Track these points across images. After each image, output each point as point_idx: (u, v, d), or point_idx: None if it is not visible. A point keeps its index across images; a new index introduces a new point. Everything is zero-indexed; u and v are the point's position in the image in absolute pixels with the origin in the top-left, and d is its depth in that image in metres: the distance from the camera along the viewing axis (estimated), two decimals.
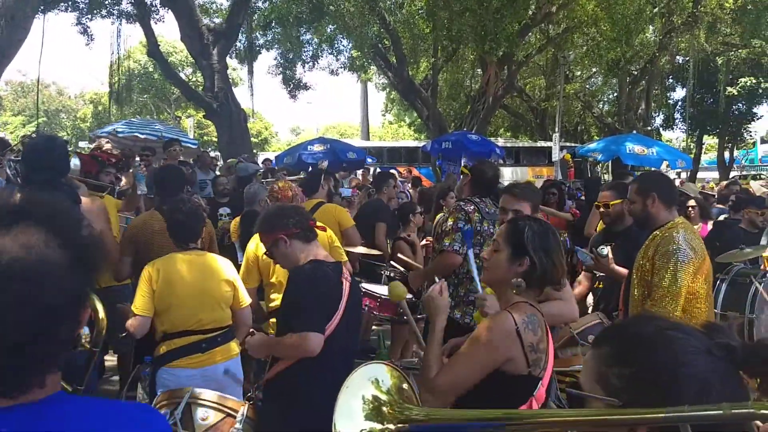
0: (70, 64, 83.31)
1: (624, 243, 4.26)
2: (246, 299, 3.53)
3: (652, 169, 13.06)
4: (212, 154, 24.95)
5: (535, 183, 18.29)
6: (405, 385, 1.76)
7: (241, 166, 10.39)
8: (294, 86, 22.59)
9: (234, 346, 3.44)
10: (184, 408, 2.74)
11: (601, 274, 4.34)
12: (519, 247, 2.13)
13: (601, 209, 4.58)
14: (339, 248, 4.60)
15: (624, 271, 3.94)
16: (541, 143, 28.10)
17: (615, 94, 29.88)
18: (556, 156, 22.75)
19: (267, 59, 78.97)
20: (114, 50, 19.62)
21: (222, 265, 3.48)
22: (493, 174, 4.15)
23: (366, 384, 1.73)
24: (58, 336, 1.02)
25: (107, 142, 9.16)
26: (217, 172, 11.20)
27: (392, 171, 13.31)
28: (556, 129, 23.89)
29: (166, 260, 3.35)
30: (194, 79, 30.39)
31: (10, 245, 0.96)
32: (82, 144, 32.67)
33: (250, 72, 23.07)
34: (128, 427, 1.11)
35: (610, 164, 20.18)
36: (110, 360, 5.52)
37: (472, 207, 4.02)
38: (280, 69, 22.25)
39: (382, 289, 3.78)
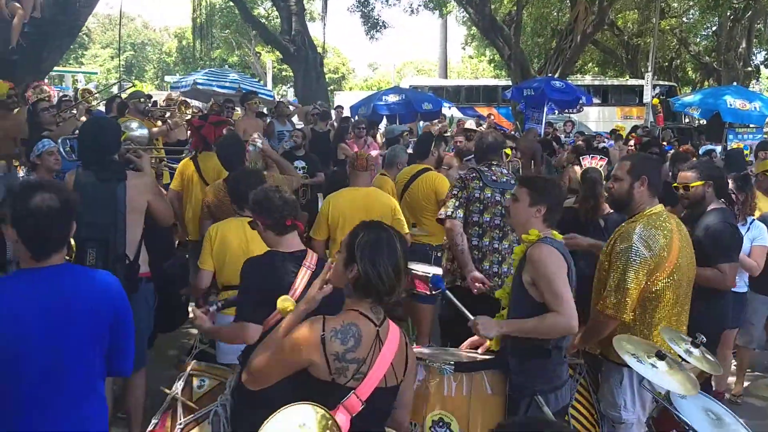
0: None
1: (696, 232, 3.88)
2: None
3: (755, 127, 12.04)
4: (290, 91, 25.08)
5: (623, 127, 17.43)
6: None
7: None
8: (372, 25, 22.11)
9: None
10: (186, 378, 3.13)
11: None
12: (350, 254, 2.16)
13: (681, 191, 4.15)
14: (400, 221, 4.65)
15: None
16: (632, 81, 26.56)
17: (714, 30, 27.55)
18: (647, 96, 21.44)
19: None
20: None
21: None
22: (491, 140, 4.42)
23: (292, 428, 1.83)
24: (69, 230, 2.21)
25: (179, 97, 9.30)
26: (294, 120, 11.21)
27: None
28: (649, 67, 22.42)
29: (223, 224, 3.83)
30: (272, 14, 30.24)
31: (50, 195, 2.13)
32: (168, 78, 33.56)
33: (324, 8, 22.62)
34: (102, 279, 2.30)
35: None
36: None
37: (473, 174, 4.25)
38: (359, 7, 21.77)
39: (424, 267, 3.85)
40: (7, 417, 2.11)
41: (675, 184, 4.32)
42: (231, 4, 29.85)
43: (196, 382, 3.13)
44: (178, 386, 3.10)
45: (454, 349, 3.46)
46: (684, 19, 27.64)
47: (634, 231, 3.09)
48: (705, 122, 16.99)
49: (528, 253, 2.87)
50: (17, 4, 7.92)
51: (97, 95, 9.85)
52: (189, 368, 3.21)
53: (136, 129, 5.64)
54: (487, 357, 3.15)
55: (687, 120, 22.68)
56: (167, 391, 3.16)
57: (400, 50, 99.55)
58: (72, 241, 2.32)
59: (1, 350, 2.05)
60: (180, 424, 2.97)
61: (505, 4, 24.45)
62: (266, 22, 25.50)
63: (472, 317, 3.07)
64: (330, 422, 1.91)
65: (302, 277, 2.76)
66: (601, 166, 6.17)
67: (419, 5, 23.17)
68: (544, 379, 2.84)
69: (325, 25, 23.82)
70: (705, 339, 2.84)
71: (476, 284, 4.00)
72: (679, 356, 2.80)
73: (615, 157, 10.68)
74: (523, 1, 21.84)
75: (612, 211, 4.57)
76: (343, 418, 2.03)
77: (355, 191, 4.74)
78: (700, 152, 10.65)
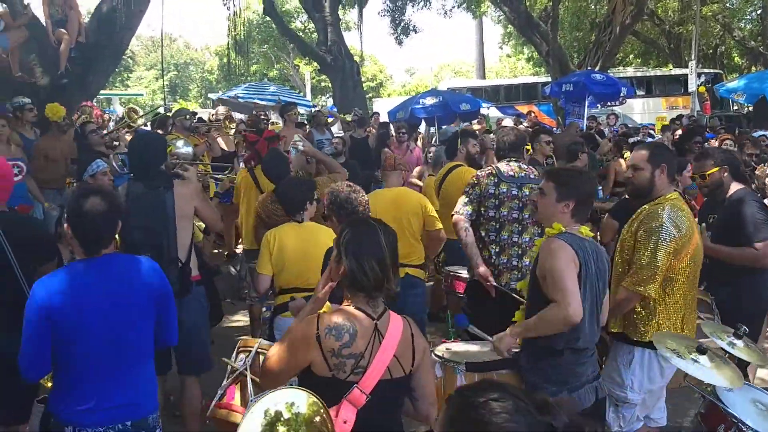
0: (195, 18, 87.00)
1: (724, 216, 3.99)
2: None
3: None
4: (329, 101, 25.38)
5: (666, 117, 16.98)
6: (317, 419, 1.92)
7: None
8: (402, 30, 22.22)
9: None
10: (254, 356, 3.22)
11: None
12: (338, 251, 2.25)
13: (698, 180, 4.21)
14: (433, 217, 4.74)
15: (723, 249, 3.86)
16: (676, 71, 25.92)
17: (759, 13, 26.62)
18: (692, 85, 20.88)
19: (378, 1, 77.97)
20: (231, 6, 20.12)
21: (323, 233, 3.89)
22: (512, 139, 4.49)
23: (280, 403, 1.93)
24: (115, 229, 2.60)
25: (226, 109, 9.56)
26: (335, 129, 11.36)
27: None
28: (693, 55, 21.85)
29: (279, 229, 3.95)
30: (309, 26, 30.66)
31: (99, 199, 2.52)
32: (211, 95, 34.36)
33: (360, 17, 22.86)
34: (145, 263, 2.67)
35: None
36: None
37: (488, 171, 4.38)
38: (389, 13, 21.90)
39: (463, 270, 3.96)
40: (73, 384, 2.49)
41: (692, 174, 4.31)
42: (268, 19, 30.48)
43: (262, 359, 3.17)
44: (247, 362, 3.16)
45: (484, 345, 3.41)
46: (727, 4, 26.83)
47: (663, 211, 3.12)
48: (754, 113, 16.49)
49: (540, 246, 2.88)
50: (63, 31, 8.26)
51: (141, 114, 10.17)
52: (256, 346, 3.25)
53: (182, 147, 6.05)
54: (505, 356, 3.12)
55: (736, 107, 21.99)
56: (232, 364, 3.22)
57: (437, 54, 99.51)
58: (117, 237, 2.73)
59: (67, 328, 2.43)
60: (252, 400, 3.00)
61: (540, 0, 24.20)
62: (303, 35, 25.87)
63: (492, 339, 3.09)
64: (321, 410, 1.95)
65: None
66: None
67: (453, 6, 23.10)
68: (557, 379, 2.80)
69: (361, 33, 24.09)
70: (747, 330, 2.84)
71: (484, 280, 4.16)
72: (723, 349, 2.79)
73: None
74: None
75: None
76: (348, 411, 2.09)
77: (386, 191, 4.90)
78: None
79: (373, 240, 2.22)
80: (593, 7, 26.14)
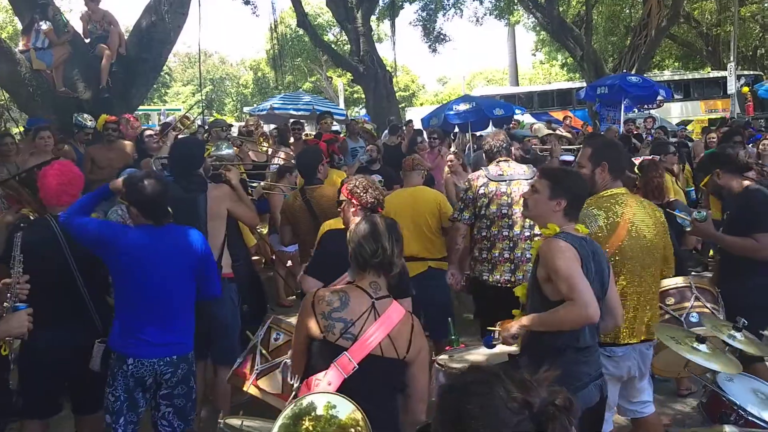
0: (230, 34, 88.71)
1: (733, 210, 4.08)
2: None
3: None
4: (362, 111, 25.57)
5: (706, 120, 16.61)
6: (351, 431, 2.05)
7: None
8: (434, 39, 22.29)
9: None
10: (266, 330, 3.49)
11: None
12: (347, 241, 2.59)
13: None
14: (447, 213, 4.93)
15: (726, 237, 3.95)
16: (715, 73, 25.46)
17: None
18: (732, 87, 20.45)
19: (410, 12, 78.42)
20: (269, 22, 20.53)
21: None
22: (492, 143, 4.81)
23: (322, 401, 2.08)
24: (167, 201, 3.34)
25: (255, 119, 9.69)
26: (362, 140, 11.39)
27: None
28: (731, 57, 21.40)
29: (331, 223, 3.95)
30: (342, 38, 30.97)
31: (154, 180, 3.31)
32: (246, 109, 34.94)
33: (393, 29, 23.02)
34: (192, 231, 3.39)
35: None
36: None
37: (478, 174, 4.72)
38: (421, 22, 22.00)
39: None
40: (132, 325, 3.17)
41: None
42: (301, 32, 30.91)
43: (273, 334, 3.47)
44: (260, 334, 3.47)
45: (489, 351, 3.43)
46: (766, 4, 26.21)
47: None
48: None
49: (540, 248, 2.87)
50: (104, 46, 8.49)
51: (193, 121, 10.34)
52: (269, 321, 3.54)
53: (224, 149, 6.44)
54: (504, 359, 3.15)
55: None
56: (251, 336, 3.52)
57: (469, 62, 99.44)
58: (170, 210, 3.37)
59: (135, 275, 3.15)
60: (257, 369, 3.33)
61: (574, 5, 23.99)
62: (335, 47, 26.15)
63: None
64: (360, 427, 2.05)
65: None
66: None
67: (485, 14, 23.08)
68: (559, 380, 2.74)
69: (394, 44, 24.21)
70: (746, 322, 2.92)
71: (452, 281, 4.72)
72: (723, 342, 2.87)
73: (700, 150, 10.25)
74: (592, 0, 21.37)
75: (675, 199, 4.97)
76: (335, 375, 2.29)
77: (404, 191, 5.25)
78: None
79: (374, 226, 2.50)
80: (628, 11, 25.84)
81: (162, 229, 3.26)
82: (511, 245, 4.45)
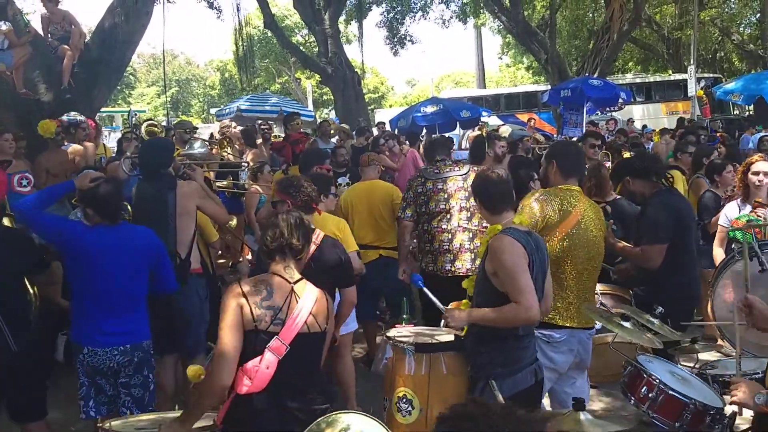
0: (197, 34, 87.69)
1: (638, 215, 4.26)
2: (352, 245, 4.39)
3: None
4: (332, 114, 25.56)
5: (665, 121, 16.99)
6: None
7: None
8: (398, 41, 22.41)
9: None
10: None
11: None
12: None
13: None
14: (398, 205, 5.19)
15: (618, 244, 4.11)
16: (676, 76, 25.98)
17: (757, 17, 26.71)
18: (692, 90, 20.92)
19: (377, 14, 78.52)
20: (234, 23, 20.32)
21: (330, 221, 4.36)
22: (431, 143, 5.55)
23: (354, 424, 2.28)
24: (122, 202, 3.70)
25: (232, 125, 9.66)
26: (333, 141, 11.44)
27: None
28: (692, 60, 21.91)
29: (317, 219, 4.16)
30: (310, 40, 30.89)
31: (108, 184, 3.56)
32: (213, 111, 34.58)
33: (360, 31, 23.07)
34: (140, 233, 3.60)
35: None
36: None
37: (416, 174, 5.22)
38: (387, 24, 22.09)
39: None
40: (90, 317, 3.40)
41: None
42: (269, 34, 30.73)
43: None
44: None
45: (436, 329, 3.60)
46: (725, 8, 26.95)
47: (532, 196, 3.61)
48: (755, 113, 16.50)
49: (489, 243, 3.04)
50: (66, 47, 8.36)
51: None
52: None
53: (197, 148, 6.65)
54: (451, 339, 3.33)
55: (736, 111, 22.03)
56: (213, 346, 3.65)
57: (437, 65, 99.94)
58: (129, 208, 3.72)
59: (91, 270, 3.37)
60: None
61: (538, 9, 24.34)
62: (304, 49, 26.09)
63: (443, 308, 3.29)
64: None
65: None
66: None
67: (451, 17, 23.27)
68: (499, 363, 2.96)
69: (362, 46, 24.26)
70: (663, 310, 3.23)
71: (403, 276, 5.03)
72: (642, 324, 3.15)
73: (662, 151, 10.52)
74: (556, 4, 21.72)
75: (618, 197, 5.10)
76: (271, 357, 2.47)
77: (361, 184, 5.78)
78: (748, 142, 10.35)
79: (274, 220, 2.75)
80: (591, 15, 26.28)
81: (117, 227, 3.49)
82: (450, 237, 4.78)
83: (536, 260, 2.97)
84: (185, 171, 4.68)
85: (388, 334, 3.51)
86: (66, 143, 7.12)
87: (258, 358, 2.47)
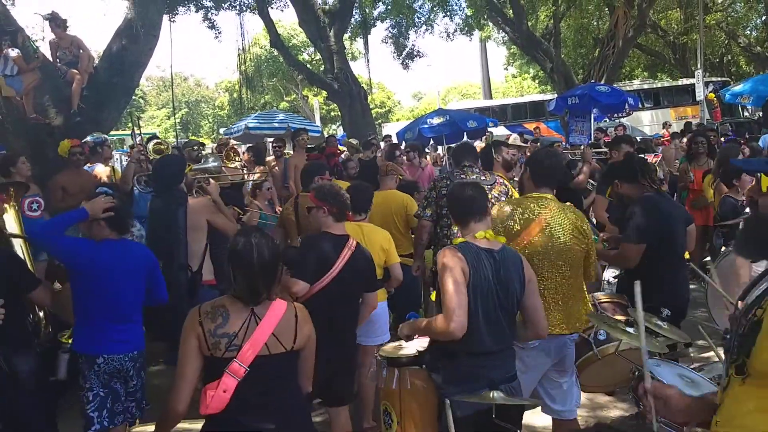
0: (206, 56, 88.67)
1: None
2: (395, 258, 4.52)
3: None
4: (339, 130, 25.66)
5: (674, 126, 16.93)
6: None
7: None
8: (406, 55, 22.51)
9: (382, 294, 4.47)
10: None
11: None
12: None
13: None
14: (412, 216, 5.46)
15: (607, 253, 4.40)
16: (683, 81, 25.94)
17: (763, 20, 26.63)
18: (700, 94, 20.87)
19: (382, 30, 79.15)
20: (239, 43, 20.52)
21: (379, 234, 4.51)
22: (460, 148, 5.72)
23: None
24: (130, 219, 3.91)
25: (227, 139, 9.72)
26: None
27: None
28: (699, 64, 21.87)
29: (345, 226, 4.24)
30: (316, 58, 31.12)
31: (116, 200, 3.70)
32: (221, 131, 34.86)
33: (366, 46, 23.22)
34: (137, 248, 3.84)
35: None
36: None
37: (443, 176, 5.33)
38: (392, 39, 22.20)
39: None
40: (95, 327, 3.54)
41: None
42: (276, 53, 31.01)
43: None
44: None
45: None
46: (730, 12, 26.88)
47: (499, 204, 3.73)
48: (763, 115, 16.38)
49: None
50: (75, 71, 8.48)
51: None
52: None
53: (211, 162, 6.78)
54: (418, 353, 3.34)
55: (746, 114, 21.90)
56: None
57: (443, 77, 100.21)
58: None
59: (96, 284, 3.50)
60: None
61: (542, 19, 24.39)
62: (311, 67, 26.29)
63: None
64: None
65: (345, 254, 3.66)
66: (656, 162, 6.33)
67: (455, 30, 23.35)
68: (454, 382, 2.92)
69: (368, 61, 24.45)
70: (669, 312, 3.34)
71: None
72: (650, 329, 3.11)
73: (671, 155, 10.46)
74: (559, 13, 21.77)
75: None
76: (228, 381, 2.44)
77: (379, 193, 5.65)
78: (762, 143, 10.25)
79: (247, 253, 2.51)
80: (595, 23, 26.31)
81: (120, 242, 3.66)
82: None
83: (484, 276, 2.92)
84: (200, 185, 4.91)
85: (381, 352, 3.54)
86: (90, 164, 7.30)
87: (217, 381, 2.45)
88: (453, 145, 12.72)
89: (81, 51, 8.71)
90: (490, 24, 24.47)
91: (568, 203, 3.82)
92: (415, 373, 3.19)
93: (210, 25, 19.19)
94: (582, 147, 8.87)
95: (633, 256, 3.98)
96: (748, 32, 28.41)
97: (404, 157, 9.10)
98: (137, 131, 8.12)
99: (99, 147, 7.64)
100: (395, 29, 22.11)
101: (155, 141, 7.14)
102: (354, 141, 11.52)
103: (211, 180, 5.12)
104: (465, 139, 12.71)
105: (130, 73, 9.72)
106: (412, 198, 5.95)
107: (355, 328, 3.88)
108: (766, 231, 1.61)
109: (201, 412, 2.49)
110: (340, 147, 11.43)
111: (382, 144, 12.36)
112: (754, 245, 1.71)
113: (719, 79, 25.69)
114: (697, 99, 21.33)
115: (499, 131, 17.79)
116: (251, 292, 2.51)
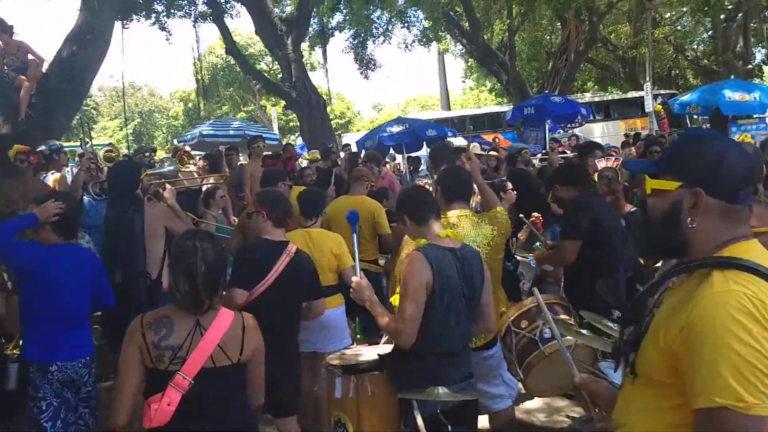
0: (161, 66, 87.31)
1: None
2: (348, 261, 4.42)
3: (757, 117, 11.93)
4: (299, 140, 25.57)
5: (626, 136, 17.39)
6: None
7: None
8: (365, 65, 22.59)
9: (336, 300, 4.45)
10: None
11: None
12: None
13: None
14: (380, 223, 5.57)
15: (545, 254, 4.70)
16: (633, 94, 26.60)
17: (709, 34, 27.67)
18: (649, 106, 21.47)
19: (341, 39, 79.46)
20: (195, 51, 20.28)
21: (329, 239, 4.45)
22: (437, 151, 5.60)
23: None
24: (78, 223, 4.21)
25: (182, 145, 9.57)
26: (303, 164, 11.43)
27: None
28: (648, 77, 22.52)
29: (290, 234, 4.21)
30: (274, 67, 30.96)
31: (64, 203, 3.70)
32: (176, 141, 34.26)
33: (324, 56, 23.24)
34: (84, 252, 3.91)
35: None
36: None
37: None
38: (352, 49, 22.28)
39: None
40: (46, 335, 3.50)
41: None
42: (233, 62, 30.69)
43: None
44: None
45: (370, 348, 3.59)
46: (678, 26, 27.85)
47: None
48: (710, 124, 16.97)
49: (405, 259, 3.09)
50: (23, 78, 8.24)
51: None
52: None
53: (166, 166, 6.69)
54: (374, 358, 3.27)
55: (693, 126, 22.65)
56: None
57: (403, 89, 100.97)
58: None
59: (44, 291, 3.47)
60: None
61: (497, 32, 24.83)
62: (269, 76, 26.13)
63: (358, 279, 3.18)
64: None
65: (283, 260, 3.58)
66: (617, 167, 6.38)
67: (413, 41, 23.57)
68: (411, 384, 2.93)
69: (326, 71, 24.42)
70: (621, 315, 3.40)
71: None
72: (603, 330, 3.19)
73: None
74: (514, 26, 22.20)
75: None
76: (172, 394, 2.37)
77: (350, 197, 5.84)
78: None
79: (191, 258, 2.45)
80: (548, 37, 26.92)
81: (67, 247, 3.66)
82: None
83: (450, 277, 2.94)
84: (156, 191, 4.86)
85: (328, 360, 3.44)
86: (48, 172, 7.09)
87: (160, 393, 2.39)
88: (413, 154, 12.87)
89: (29, 57, 8.48)
90: (448, 37, 24.79)
91: (490, 214, 3.89)
92: (374, 379, 3.11)
93: (161, 27, 18.87)
94: (549, 154, 9.19)
95: (569, 252, 4.15)
96: (695, 46, 29.45)
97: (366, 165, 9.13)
98: (87, 139, 7.90)
99: (55, 154, 7.42)
100: (354, 39, 22.19)
101: (106, 148, 6.96)
102: (318, 154, 11.47)
103: (167, 185, 5.03)
104: (425, 147, 12.80)
105: (80, 79, 9.53)
106: (381, 206, 5.96)
107: (297, 334, 3.79)
108: (654, 231, 1.64)
109: (144, 426, 2.42)
110: (307, 156, 11.39)
111: (341, 154, 12.35)
112: (646, 245, 1.76)
113: (667, 91, 26.48)
114: (646, 111, 21.92)
115: (458, 142, 17.96)
116: (193, 299, 2.44)
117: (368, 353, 3.37)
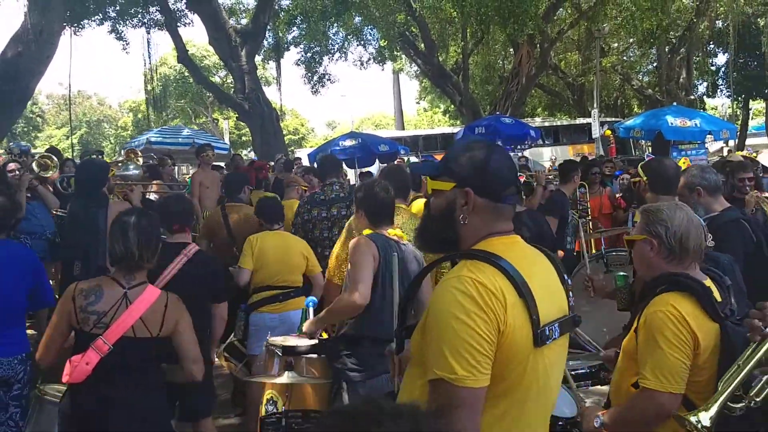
0: (110, 75, 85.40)
1: None
2: (317, 268, 4.64)
3: (697, 143, 12.42)
4: (251, 154, 25.33)
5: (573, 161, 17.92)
6: None
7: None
8: (318, 80, 22.61)
9: (302, 301, 4.37)
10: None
11: None
12: None
13: None
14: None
15: None
16: (580, 120, 27.37)
17: (654, 65, 28.82)
18: (596, 132, 22.13)
19: (295, 54, 79.67)
20: (146, 59, 19.93)
21: (295, 240, 4.73)
22: (329, 162, 5.74)
23: None
24: (13, 219, 3.83)
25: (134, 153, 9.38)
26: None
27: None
28: (595, 105, 23.23)
29: (261, 235, 4.58)
30: (228, 81, 30.67)
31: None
32: (124, 147, 33.42)
33: (278, 70, 23.17)
34: (17, 247, 3.82)
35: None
36: None
37: (304, 200, 5.37)
38: (304, 64, 22.29)
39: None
40: None
41: None
42: (186, 74, 30.27)
43: None
44: None
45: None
46: (624, 57, 28.90)
47: None
48: (652, 148, 17.59)
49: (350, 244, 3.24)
50: None
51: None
52: None
53: (131, 169, 7.03)
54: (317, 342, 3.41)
55: (637, 152, 23.42)
56: None
57: (358, 107, 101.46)
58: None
59: None
60: None
61: (452, 54, 25.25)
62: (223, 89, 25.88)
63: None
64: None
65: (178, 261, 3.62)
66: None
67: (369, 59, 23.76)
68: (353, 368, 3.04)
69: (279, 85, 24.33)
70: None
71: None
72: None
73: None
74: (468, 49, 22.61)
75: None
76: (92, 355, 2.61)
77: (284, 203, 5.86)
78: None
79: (123, 227, 2.77)
80: (501, 62, 27.54)
81: (3, 242, 3.60)
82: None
83: (391, 264, 3.09)
84: (125, 191, 5.14)
85: (270, 339, 3.61)
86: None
87: (81, 354, 2.63)
88: (364, 169, 12.88)
89: None
90: (403, 57, 25.06)
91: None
92: (311, 361, 3.28)
93: (118, 36, 18.52)
94: (535, 171, 9.35)
95: None
96: (641, 76, 30.56)
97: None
98: (23, 142, 7.96)
99: (24, 155, 7.49)
100: (308, 53, 22.19)
101: (41, 155, 6.86)
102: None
103: (134, 187, 5.42)
104: (377, 163, 12.82)
105: (25, 81, 9.24)
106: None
107: (206, 338, 3.65)
108: (433, 227, 1.77)
109: (62, 380, 2.68)
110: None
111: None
112: (424, 239, 1.87)
113: (613, 119, 27.38)
114: (593, 137, 22.59)
115: (412, 160, 18.07)
116: (128, 259, 2.72)
117: (310, 341, 3.46)
